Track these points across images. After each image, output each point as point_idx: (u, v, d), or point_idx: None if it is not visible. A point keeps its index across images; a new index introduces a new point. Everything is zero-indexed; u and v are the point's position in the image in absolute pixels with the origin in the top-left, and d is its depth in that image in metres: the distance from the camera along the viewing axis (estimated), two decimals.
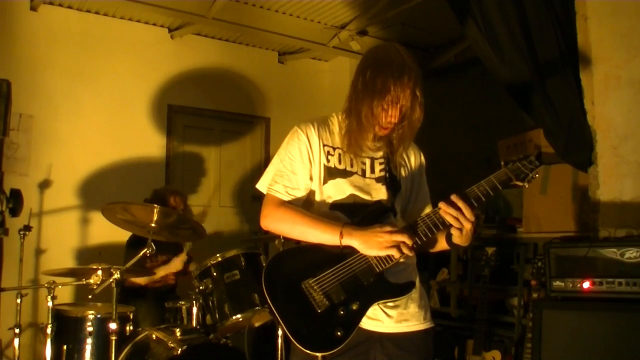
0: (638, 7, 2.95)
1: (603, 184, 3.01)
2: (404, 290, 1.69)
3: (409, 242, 1.60)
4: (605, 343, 2.41)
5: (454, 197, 1.62)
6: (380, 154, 1.80)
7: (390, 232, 1.61)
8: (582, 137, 3.06)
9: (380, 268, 1.64)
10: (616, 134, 2.99)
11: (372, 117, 1.69)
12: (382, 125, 1.72)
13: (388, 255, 1.63)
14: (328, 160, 1.76)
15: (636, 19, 2.95)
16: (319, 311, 1.58)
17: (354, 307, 1.61)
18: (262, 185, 1.82)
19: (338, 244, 1.63)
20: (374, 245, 1.61)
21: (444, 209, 1.61)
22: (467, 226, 1.62)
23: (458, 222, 1.61)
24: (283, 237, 3.08)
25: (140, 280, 3.57)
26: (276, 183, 1.75)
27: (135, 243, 3.60)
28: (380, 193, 1.76)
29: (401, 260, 1.64)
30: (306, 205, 1.78)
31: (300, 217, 1.70)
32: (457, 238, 1.67)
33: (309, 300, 1.59)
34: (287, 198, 1.74)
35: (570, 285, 2.59)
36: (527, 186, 1.72)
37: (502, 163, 1.71)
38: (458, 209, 1.60)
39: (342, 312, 1.59)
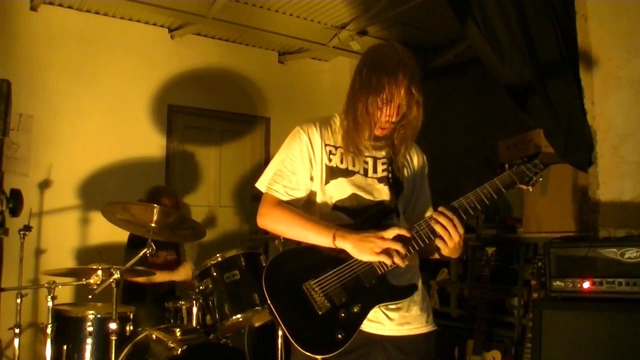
0: (638, 7, 2.95)
1: (603, 184, 3.01)
2: (406, 293, 1.67)
3: (402, 250, 1.58)
4: (605, 343, 2.41)
5: (441, 209, 1.61)
6: (383, 153, 1.79)
7: (384, 239, 1.59)
8: (582, 137, 3.06)
9: (382, 270, 1.62)
10: (616, 134, 2.99)
11: (367, 115, 1.67)
12: (380, 125, 1.71)
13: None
14: (330, 160, 1.75)
15: (636, 19, 2.95)
16: (320, 313, 1.58)
17: (355, 310, 1.60)
18: (261, 184, 1.81)
19: (332, 246, 1.62)
20: (366, 250, 1.59)
21: (436, 217, 1.60)
22: (456, 238, 1.60)
23: (447, 233, 1.59)
24: (283, 237, 3.08)
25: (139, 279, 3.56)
26: (276, 183, 1.75)
27: (135, 243, 3.60)
28: (382, 193, 1.75)
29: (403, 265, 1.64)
30: (308, 206, 1.77)
31: (295, 218, 1.69)
32: (443, 250, 1.65)
33: (310, 302, 1.59)
34: (285, 198, 1.73)
35: (570, 285, 2.59)
36: (531, 190, 1.71)
37: (507, 166, 1.69)
38: (449, 219, 1.59)
39: (343, 315, 1.58)
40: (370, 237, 1.60)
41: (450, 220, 1.59)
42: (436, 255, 1.77)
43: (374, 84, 1.65)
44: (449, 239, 1.59)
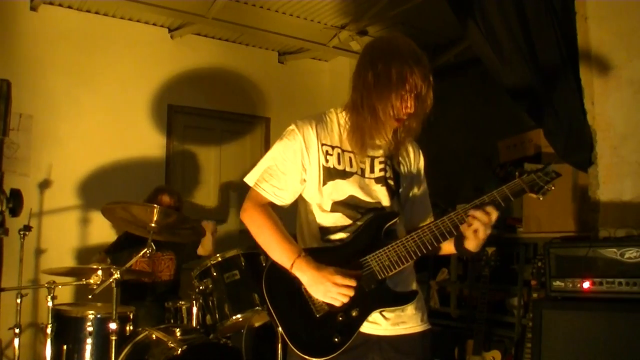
0: (638, 8, 2.95)
1: (603, 184, 3.01)
2: (407, 299, 1.67)
3: (350, 294, 1.57)
4: (605, 343, 2.41)
5: (486, 207, 1.63)
6: (380, 152, 1.76)
7: (339, 285, 1.57)
8: (582, 137, 3.06)
9: (383, 275, 1.62)
10: (616, 134, 2.99)
11: (391, 109, 1.62)
12: (399, 117, 1.66)
13: (392, 263, 1.61)
14: (327, 161, 1.71)
15: (636, 20, 2.95)
16: (318, 316, 1.58)
17: (354, 314, 1.60)
18: (250, 179, 1.77)
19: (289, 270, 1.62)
20: (319, 291, 1.58)
21: (473, 214, 1.62)
22: (487, 232, 1.63)
23: (483, 228, 1.61)
24: None
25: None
26: (264, 181, 1.72)
27: (127, 240, 3.59)
28: (379, 194, 1.73)
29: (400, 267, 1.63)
30: (305, 208, 1.76)
31: (269, 228, 1.68)
32: (472, 242, 1.65)
33: (309, 305, 1.59)
34: (271, 198, 1.71)
35: (570, 285, 2.59)
36: (541, 198, 1.70)
37: (517, 174, 1.68)
38: (487, 213, 1.61)
39: (341, 318, 1.58)
40: (325, 280, 1.57)
41: (488, 214, 1.62)
42: (444, 252, 1.79)
43: (394, 78, 1.60)
44: (484, 235, 1.63)
